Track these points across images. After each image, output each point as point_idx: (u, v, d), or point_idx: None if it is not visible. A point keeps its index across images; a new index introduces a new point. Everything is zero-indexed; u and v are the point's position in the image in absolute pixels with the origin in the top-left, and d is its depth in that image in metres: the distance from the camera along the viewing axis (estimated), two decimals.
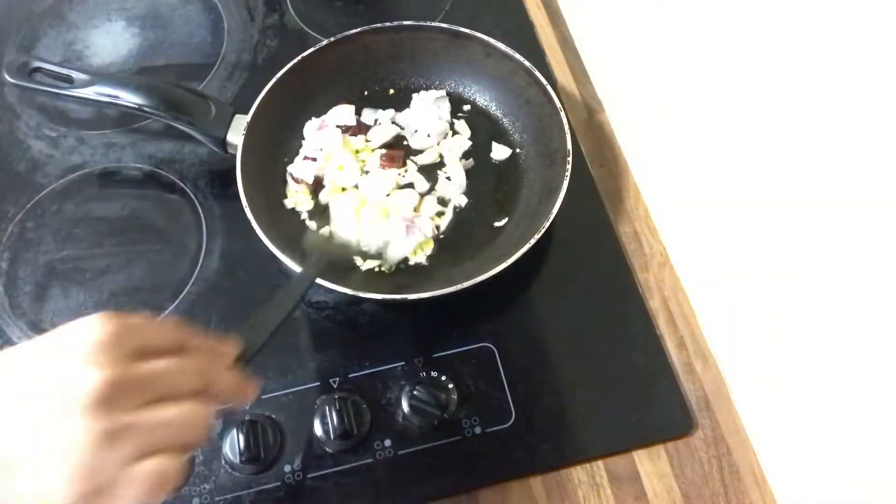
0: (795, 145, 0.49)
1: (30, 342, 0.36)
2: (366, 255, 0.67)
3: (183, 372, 0.38)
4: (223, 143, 0.69)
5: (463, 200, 0.70)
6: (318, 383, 0.62)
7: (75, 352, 0.34)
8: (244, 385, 0.43)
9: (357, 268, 0.67)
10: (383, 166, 0.71)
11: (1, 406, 0.34)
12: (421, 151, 0.73)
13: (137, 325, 0.37)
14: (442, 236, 0.69)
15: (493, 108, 0.76)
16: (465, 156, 0.73)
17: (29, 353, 0.36)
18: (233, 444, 0.58)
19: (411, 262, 0.67)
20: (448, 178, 0.71)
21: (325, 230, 0.69)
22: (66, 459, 0.33)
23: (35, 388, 0.34)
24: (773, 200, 0.53)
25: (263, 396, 0.61)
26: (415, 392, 0.60)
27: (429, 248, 0.68)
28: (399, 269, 0.67)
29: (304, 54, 0.72)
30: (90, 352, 0.34)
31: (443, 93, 0.76)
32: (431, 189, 0.71)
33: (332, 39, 0.74)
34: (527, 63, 0.71)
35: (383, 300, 0.64)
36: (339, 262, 0.66)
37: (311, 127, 0.74)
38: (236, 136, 0.68)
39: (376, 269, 0.67)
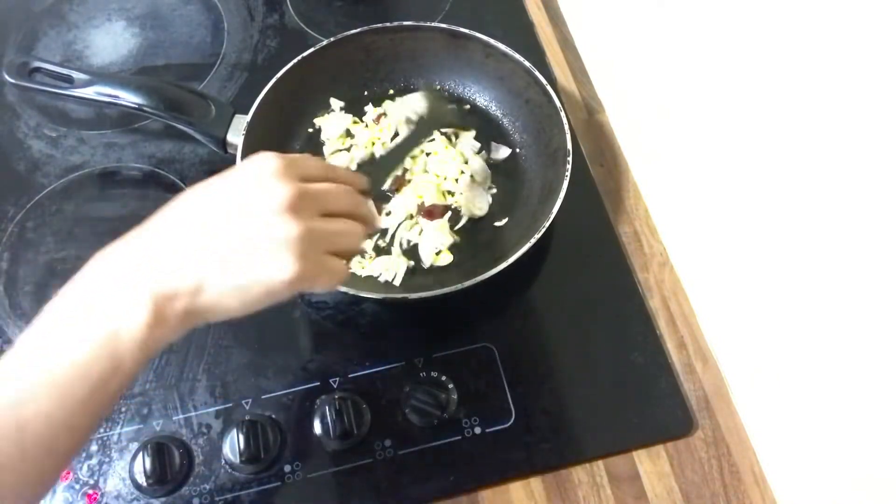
0: (796, 145, 0.49)
1: (223, 176, 0.46)
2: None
3: (340, 193, 0.48)
4: (223, 143, 0.69)
5: (485, 208, 0.70)
6: (318, 383, 0.62)
7: (266, 175, 0.44)
8: (373, 212, 0.53)
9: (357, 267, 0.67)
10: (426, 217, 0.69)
11: (221, 214, 0.44)
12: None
13: (298, 158, 0.48)
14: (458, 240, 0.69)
15: (493, 108, 0.76)
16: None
17: (230, 182, 0.45)
18: (233, 444, 0.58)
19: (412, 264, 0.67)
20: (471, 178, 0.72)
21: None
22: (290, 246, 0.43)
23: (243, 200, 0.44)
24: (774, 200, 0.53)
25: (263, 396, 0.61)
26: (415, 392, 0.60)
27: (447, 258, 0.67)
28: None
29: (305, 54, 0.72)
30: (276, 174, 0.44)
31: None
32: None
33: (332, 39, 0.74)
34: (526, 63, 0.71)
35: (383, 300, 0.65)
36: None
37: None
38: (236, 136, 0.68)
39: (379, 278, 0.67)
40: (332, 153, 0.74)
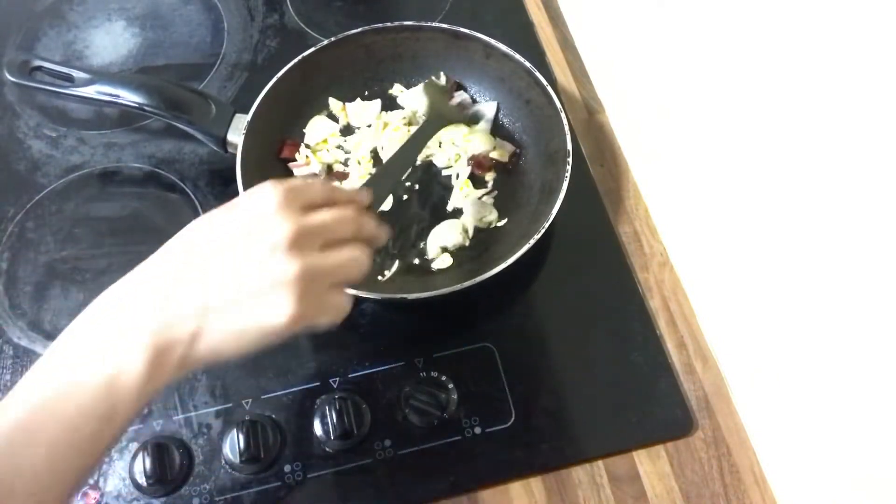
0: (795, 145, 0.49)
1: (222, 210, 0.45)
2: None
3: (341, 221, 0.47)
4: (223, 143, 0.69)
5: (492, 218, 0.70)
6: (318, 383, 0.62)
7: (265, 211, 0.43)
8: (380, 227, 0.51)
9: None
10: (476, 171, 0.72)
11: (220, 256, 0.43)
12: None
13: (299, 186, 0.46)
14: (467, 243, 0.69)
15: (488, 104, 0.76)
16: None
17: (229, 218, 0.44)
18: (233, 444, 0.58)
19: (416, 262, 0.67)
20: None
21: None
22: (288, 288, 0.41)
23: (241, 240, 0.43)
24: (774, 200, 0.53)
25: (263, 396, 0.61)
26: (415, 392, 0.60)
27: (448, 261, 0.67)
28: (398, 269, 0.67)
29: (305, 54, 0.72)
30: (276, 209, 0.43)
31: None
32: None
33: (332, 39, 0.74)
34: (527, 64, 0.71)
35: (383, 300, 0.65)
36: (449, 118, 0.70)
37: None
38: (236, 135, 0.68)
39: (378, 278, 0.67)
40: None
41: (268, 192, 0.44)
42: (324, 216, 0.46)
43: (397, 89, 0.77)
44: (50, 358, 0.41)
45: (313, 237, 0.44)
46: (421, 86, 0.75)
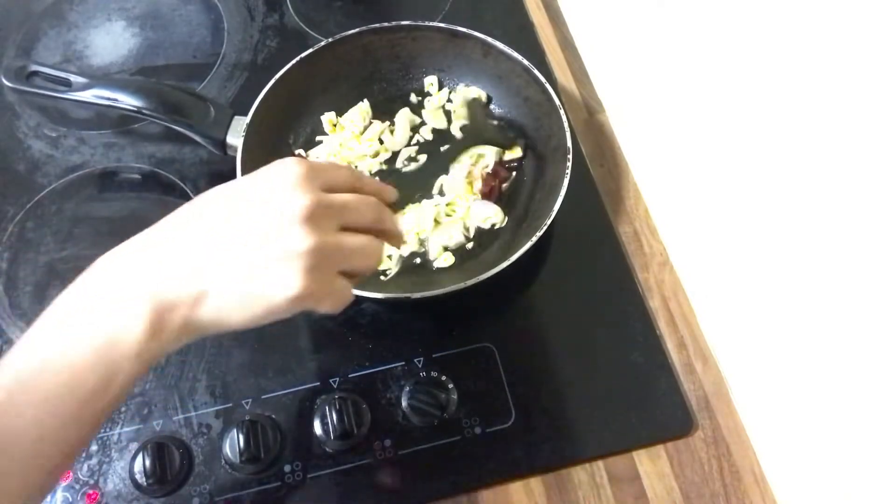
0: (796, 145, 0.49)
1: (240, 179, 0.45)
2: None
3: (363, 206, 0.46)
4: (223, 145, 0.69)
5: (495, 219, 0.69)
6: (318, 383, 0.62)
7: (285, 183, 0.42)
8: (399, 228, 0.51)
9: None
10: (483, 195, 0.70)
11: (231, 222, 0.42)
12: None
13: (323, 166, 0.46)
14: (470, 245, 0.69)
15: (492, 106, 0.76)
16: None
17: (245, 186, 0.44)
18: (233, 444, 0.58)
19: (417, 262, 0.67)
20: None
21: None
22: (299, 261, 0.41)
23: (256, 208, 0.42)
24: (774, 200, 0.53)
25: (263, 396, 0.61)
26: (415, 392, 0.60)
27: (450, 259, 0.67)
28: (399, 269, 0.67)
29: (304, 54, 0.72)
30: (295, 182, 0.42)
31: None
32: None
33: (331, 39, 0.74)
34: (525, 61, 0.71)
35: (383, 300, 0.65)
36: None
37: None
38: (236, 137, 0.68)
39: (381, 277, 0.67)
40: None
41: (290, 165, 0.43)
42: (346, 197, 0.45)
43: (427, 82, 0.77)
44: (50, 315, 0.40)
45: (332, 216, 0.43)
46: (461, 99, 0.75)
